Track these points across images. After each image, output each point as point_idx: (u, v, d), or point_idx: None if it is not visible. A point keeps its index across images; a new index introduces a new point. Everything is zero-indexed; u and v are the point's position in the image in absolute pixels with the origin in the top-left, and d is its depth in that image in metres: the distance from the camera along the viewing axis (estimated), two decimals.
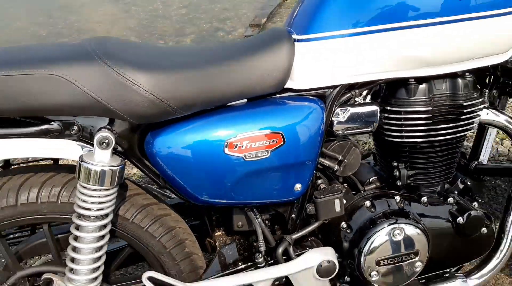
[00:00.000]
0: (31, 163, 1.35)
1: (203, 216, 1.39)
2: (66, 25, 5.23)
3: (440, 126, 1.20)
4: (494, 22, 1.09)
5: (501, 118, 1.32)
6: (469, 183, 1.36)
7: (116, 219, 1.12)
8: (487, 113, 1.29)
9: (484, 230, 1.30)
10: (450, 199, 1.30)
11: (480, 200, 1.34)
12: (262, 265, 1.20)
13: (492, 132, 1.41)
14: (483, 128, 1.39)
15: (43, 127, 1.00)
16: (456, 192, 1.34)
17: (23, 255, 1.30)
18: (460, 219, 1.27)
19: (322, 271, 1.18)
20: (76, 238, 1.04)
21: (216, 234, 1.37)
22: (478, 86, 1.23)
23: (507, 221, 1.38)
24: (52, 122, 1.00)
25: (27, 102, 0.94)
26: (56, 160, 1.29)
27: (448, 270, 1.38)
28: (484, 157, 1.40)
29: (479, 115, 1.24)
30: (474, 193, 1.34)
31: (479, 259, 1.41)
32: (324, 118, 1.12)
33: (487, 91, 1.29)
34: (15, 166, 1.21)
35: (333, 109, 1.16)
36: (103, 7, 5.76)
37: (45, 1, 6.12)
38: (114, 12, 5.55)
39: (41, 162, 1.28)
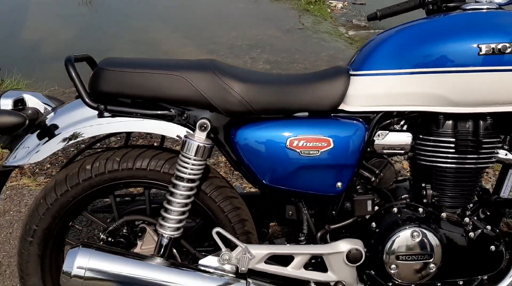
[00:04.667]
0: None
1: (260, 207, 1.72)
2: None
3: (462, 156, 1.46)
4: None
5: None
6: (488, 213, 1.58)
7: (199, 192, 1.47)
8: (506, 154, 1.54)
9: (492, 248, 1.50)
10: (466, 219, 1.53)
11: (495, 229, 1.55)
12: (303, 243, 1.51)
13: None
14: (506, 167, 1.60)
15: (163, 112, 1.41)
16: (475, 218, 1.56)
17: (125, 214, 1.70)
18: (471, 234, 1.50)
19: (350, 257, 1.45)
20: (171, 194, 1.43)
21: (270, 224, 1.70)
22: (498, 128, 1.47)
23: None
24: (171, 109, 1.41)
25: (158, 93, 1.39)
26: (162, 141, 1.73)
27: (461, 283, 1.58)
28: (504, 194, 1.60)
29: (497, 153, 1.49)
30: (491, 221, 1.56)
31: (493, 277, 1.58)
32: (366, 137, 1.45)
33: (508, 136, 1.55)
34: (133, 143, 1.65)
35: (375, 131, 1.48)
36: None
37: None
38: None
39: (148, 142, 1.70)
